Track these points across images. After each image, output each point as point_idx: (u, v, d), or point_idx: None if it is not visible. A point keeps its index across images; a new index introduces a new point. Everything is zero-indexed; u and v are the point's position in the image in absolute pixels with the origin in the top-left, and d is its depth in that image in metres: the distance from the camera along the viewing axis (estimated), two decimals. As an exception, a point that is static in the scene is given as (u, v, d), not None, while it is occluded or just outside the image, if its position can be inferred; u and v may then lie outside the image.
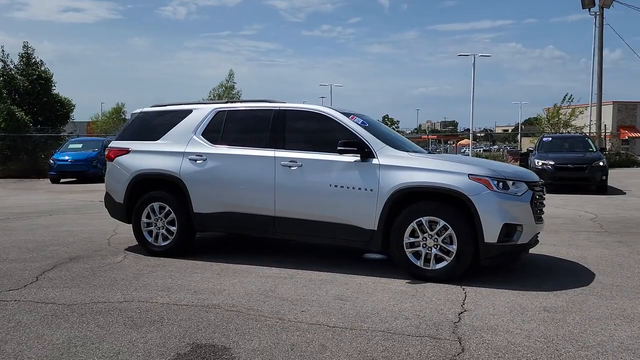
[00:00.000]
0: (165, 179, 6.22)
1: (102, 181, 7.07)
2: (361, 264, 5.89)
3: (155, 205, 6.23)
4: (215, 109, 6.24)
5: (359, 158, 5.39)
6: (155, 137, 6.44)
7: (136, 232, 6.35)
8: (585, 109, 30.02)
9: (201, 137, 6.14)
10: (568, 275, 5.43)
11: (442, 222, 5.05)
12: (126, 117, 51.03)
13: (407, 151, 5.60)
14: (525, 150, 18.48)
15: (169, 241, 6.18)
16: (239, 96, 37.17)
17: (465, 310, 4.20)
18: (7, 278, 5.18)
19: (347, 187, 5.39)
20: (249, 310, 4.17)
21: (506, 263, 5.47)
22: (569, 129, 28.26)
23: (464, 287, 4.88)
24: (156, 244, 6.25)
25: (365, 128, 5.65)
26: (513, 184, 5.11)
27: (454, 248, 5.01)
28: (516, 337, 3.62)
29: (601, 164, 13.80)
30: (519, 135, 50.28)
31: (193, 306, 4.28)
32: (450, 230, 5.02)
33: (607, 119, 51.00)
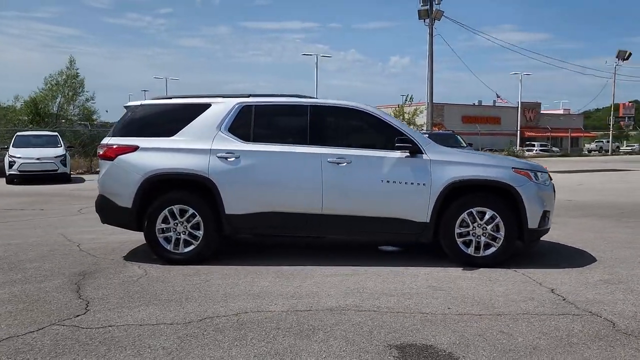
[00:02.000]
0: (188, 179, 5.65)
1: None
2: (396, 256, 6.08)
3: (175, 208, 5.62)
4: (240, 103, 5.83)
5: (408, 154, 5.58)
6: (167, 133, 5.80)
7: (150, 240, 5.65)
8: (425, 108, 33.60)
9: (228, 133, 5.71)
10: (566, 253, 6.28)
11: (490, 212, 5.51)
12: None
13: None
14: None
15: (192, 247, 5.64)
16: (83, 84, 33.68)
17: (552, 289, 4.71)
18: (43, 303, 4.28)
19: (400, 182, 5.54)
20: (381, 308, 4.14)
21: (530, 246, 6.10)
22: (411, 127, 31.32)
23: (514, 269, 5.40)
24: (177, 251, 5.64)
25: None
26: (541, 175, 5.79)
27: (501, 235, 5.50)
28: (628, 307, 4.22)
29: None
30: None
31: (318, 311, 4.08)
32: (498, 219, 5.50)
33: (424, 118, 57.46)
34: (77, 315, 3.97)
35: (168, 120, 5.91)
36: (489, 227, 5.52)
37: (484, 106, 60.75)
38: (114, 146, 5.76)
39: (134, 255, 6.03)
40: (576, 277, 5.11)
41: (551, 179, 6.03)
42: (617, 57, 43.11)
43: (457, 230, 5.54)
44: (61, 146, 17.69)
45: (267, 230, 5.82)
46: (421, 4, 31.58)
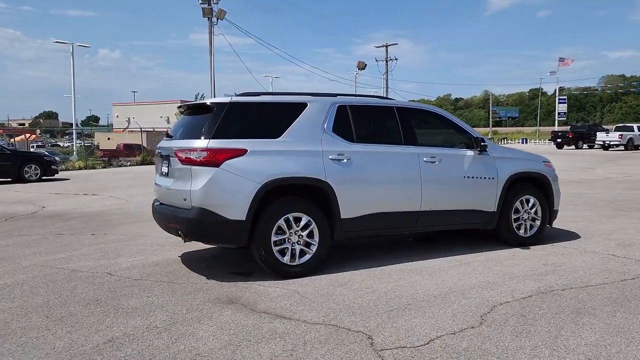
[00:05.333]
0: (308, 184, 5.21)
1: None
2: (437, 245, 6.64)
3: (291, 216, 5.14)
4: (335, 102, 5.60)
5: (478, 151, 6.24)
6: (272, 134, 5.21)
7: (264, 254, 5.03)
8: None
9: (333, 133, 5.45)
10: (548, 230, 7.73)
11: (532, 199, 6.58)
12: None
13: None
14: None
15: (308, 256, 5.23)
16: None
17: (623, 257, 6.00)
18: (298, 335, 3.65)
19: (476, 177, 6.17)
20: (573, 284, 4.76)
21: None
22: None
23: (554, 244, 6.57)
24: (293, 263, 5.16)
25: (460, 126, 6.49)
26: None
27: (539, 217, 6.64)
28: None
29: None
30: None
31: (552, 293, 4.49)
32: (537, 205, 6.60)
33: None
34: (371, 338, 3.56)
35: (267, 120, 5.33)
36: (532, 212, 6.58)
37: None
38: (220, 150, 4.91)
39: (215, 275, 5.25)
40: (613, 246, 6.35)
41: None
42: (357, 67, 49.92)
43: (512, 216, 6.45)
44: None
45: (372, 232, 5.75)
46: (200, 1, 31.31)
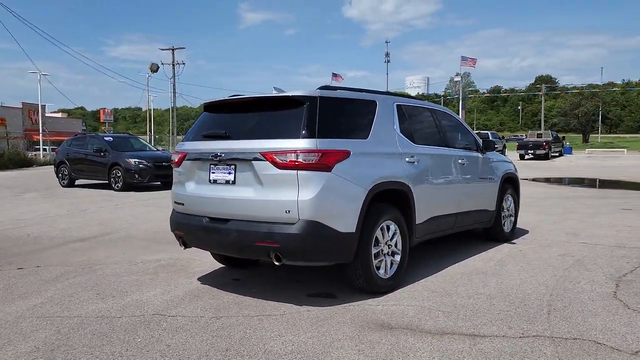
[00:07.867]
0: (395, 189, 4.76)
1: None
2: (454, 248, 6.76)
3: (384, 224, 4.65)
4: (395, 102, 5.23)
5: (482, 154, 6.51)
6: (361, 133, 4.61)
7: (364, 271, 4.44)
8: None
9: (400, 134, 5.09)
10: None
11: (511, 197, 7.14)
12: None
13: None
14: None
15: (395, 268, 4.80)
16: None
17: (595, 244, 6.90)
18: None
19: (484, 178, 6.45)
20: (635, 270, 5.34)
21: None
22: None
23: (522, 237, 7.26)
24: (386, 276, 4.67)
25: (459, 128, 6.68)
26: (508, 166, 7.78)
27: (514, 213, 7.25)
28: None
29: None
30: None
31: None
32: (512, 203, 7.19)
33: None
34: (599, 344, 3.45)
35: (354, 118, 4.69)
36: (510, 209, 7.15)
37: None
38: (331, 151, 4.14)
39: (298, 300, 4.46)
40: (567, 236, 7.31)
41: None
42: (150, 69, 46.44)
43: (502, 214, 6.90)
44: None
45: (428, 236, 5.47)
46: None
